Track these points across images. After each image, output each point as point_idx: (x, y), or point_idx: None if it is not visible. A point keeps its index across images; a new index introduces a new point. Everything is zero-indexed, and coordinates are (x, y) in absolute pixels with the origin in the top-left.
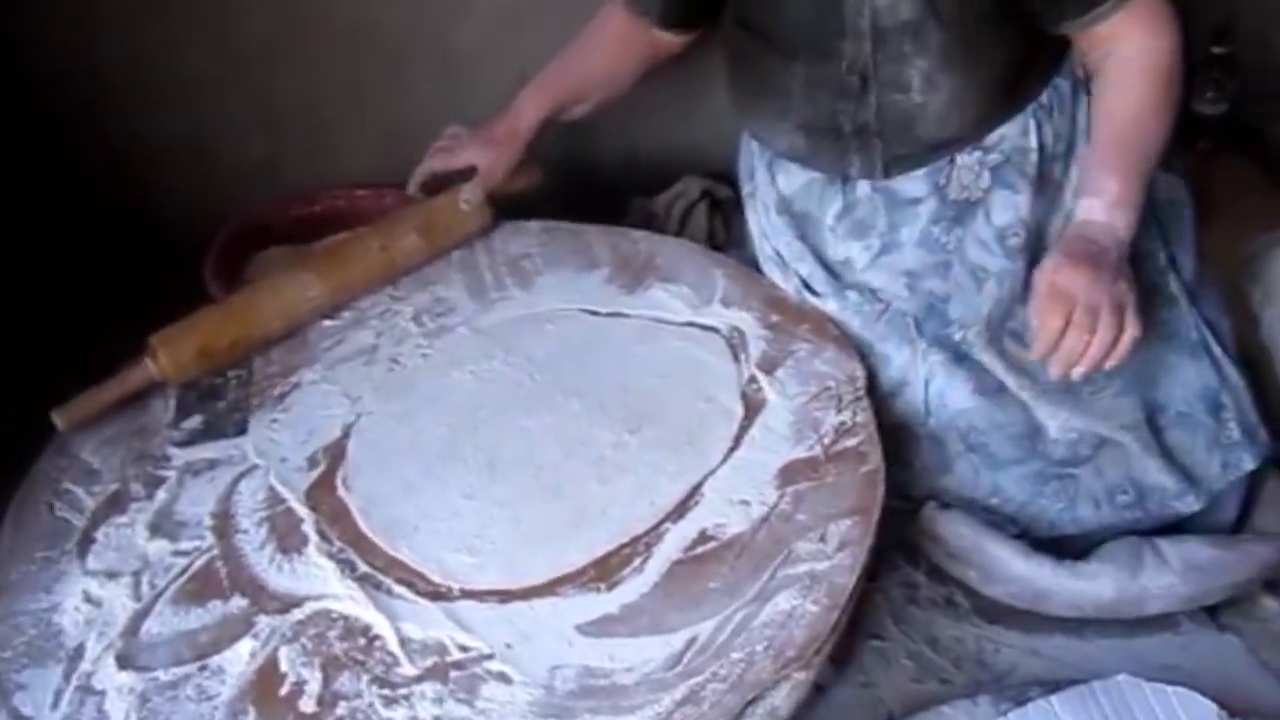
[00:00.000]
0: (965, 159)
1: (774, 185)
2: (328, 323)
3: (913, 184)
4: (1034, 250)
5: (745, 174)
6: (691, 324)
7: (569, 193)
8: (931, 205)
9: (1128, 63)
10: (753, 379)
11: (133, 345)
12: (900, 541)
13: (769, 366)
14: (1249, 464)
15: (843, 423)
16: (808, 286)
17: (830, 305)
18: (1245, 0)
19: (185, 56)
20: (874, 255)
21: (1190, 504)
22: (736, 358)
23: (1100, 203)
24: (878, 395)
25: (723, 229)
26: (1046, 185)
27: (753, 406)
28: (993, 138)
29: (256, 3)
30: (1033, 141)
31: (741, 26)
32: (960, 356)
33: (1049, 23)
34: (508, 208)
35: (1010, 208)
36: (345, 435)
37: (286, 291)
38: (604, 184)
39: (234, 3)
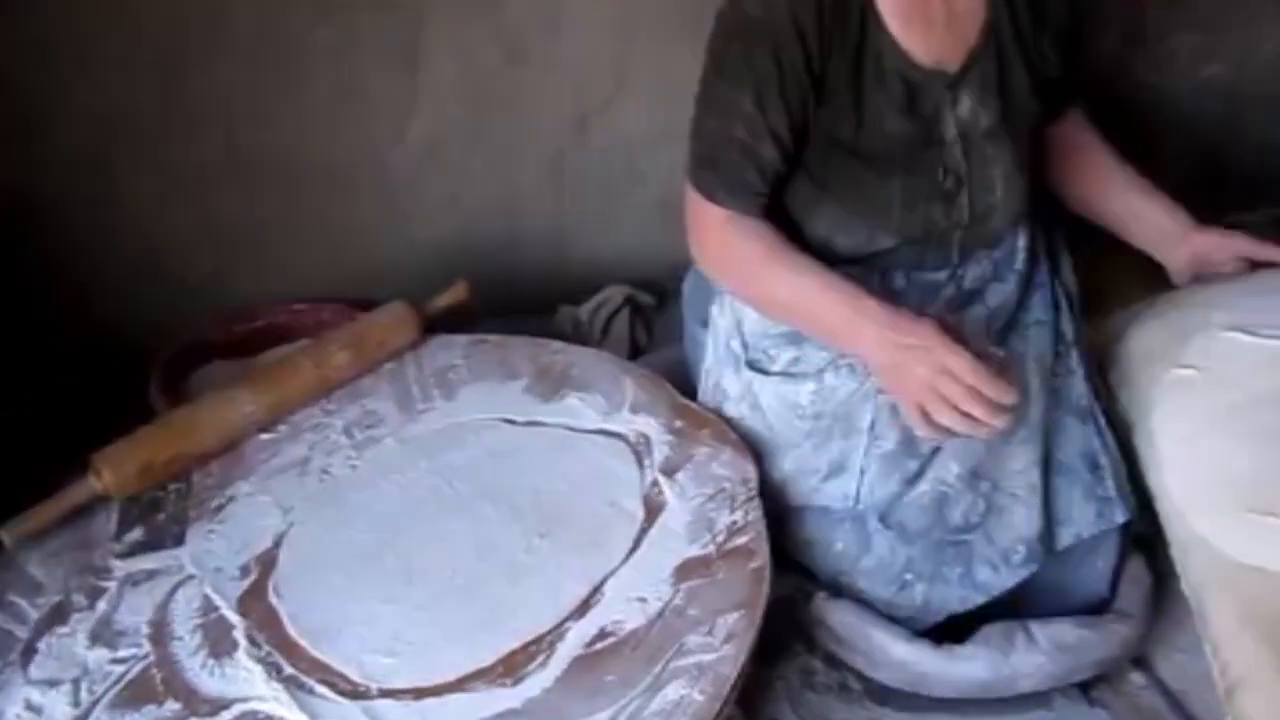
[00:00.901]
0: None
1: None
2: (264, 436)
3: (941, 273)
4: (1005, 330)
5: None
6: (601, 431)
7: (499, 303)
8: (950, 291)
9: (1089, 129)
10: (655, 482)
11: (80, 457)
12: (800, 630)
13: (670, 469)
14: (1120, 517)
15: (734, 522)
16: (777, 372)
17: (807, 386)
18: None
19: (132, 177)
20: None
21: (1064, 541)
22: (640, 463)
23: (1169, 207)
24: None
25: (645, 333)
26: (1026, 275)
27: (653, 509)
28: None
29: (201, 129)
30: (1021, 242)
31: (841, 148)
32: (903, 443)
33: (1057, 110)
34: (444, 320)
35: (1002, 295)
36: (276, 545)
37: (225, 409)
38: (533, 293)
39: (180, 129)
